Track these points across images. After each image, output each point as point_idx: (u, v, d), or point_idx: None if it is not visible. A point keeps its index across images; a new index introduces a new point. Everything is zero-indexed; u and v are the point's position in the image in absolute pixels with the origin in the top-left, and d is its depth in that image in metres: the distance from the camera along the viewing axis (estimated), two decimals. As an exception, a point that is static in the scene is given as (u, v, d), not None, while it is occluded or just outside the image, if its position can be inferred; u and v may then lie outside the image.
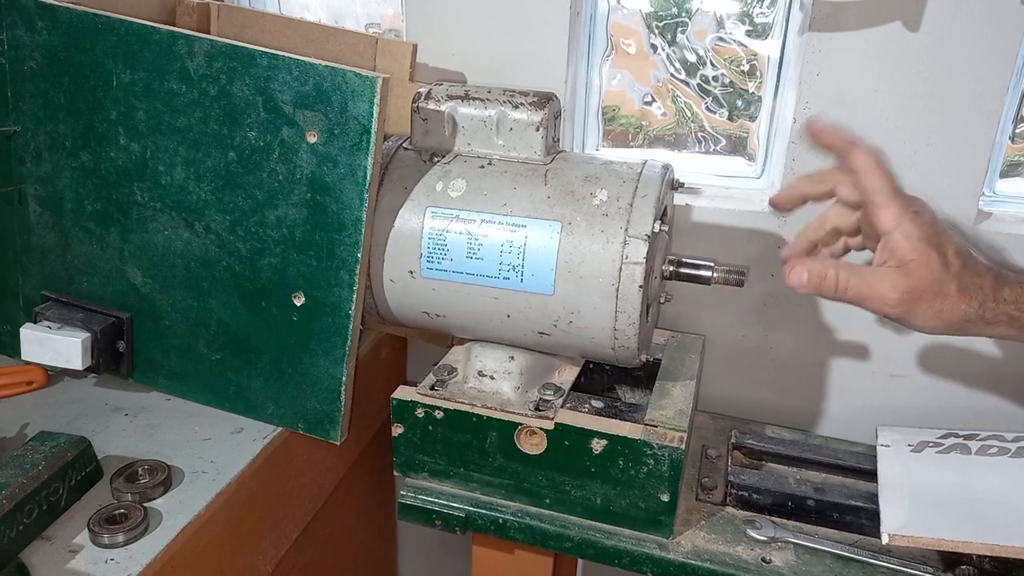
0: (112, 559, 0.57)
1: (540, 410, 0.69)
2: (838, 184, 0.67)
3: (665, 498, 0.67)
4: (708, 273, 0.70)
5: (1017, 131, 0.87)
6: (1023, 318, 0.63)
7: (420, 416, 0.71)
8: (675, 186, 0.72)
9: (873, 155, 0.64)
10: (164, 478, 0.64)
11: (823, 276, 0.63)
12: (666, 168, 0.69)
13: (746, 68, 0.93)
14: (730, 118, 0.95)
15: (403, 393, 0.72)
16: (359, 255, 0.66)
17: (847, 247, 0.70)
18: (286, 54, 0.63)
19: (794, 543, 0.70)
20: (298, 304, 0.69)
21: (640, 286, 0.64)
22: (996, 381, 0.86)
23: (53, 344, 0.71)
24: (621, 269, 0.64)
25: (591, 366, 0.81)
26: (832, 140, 0.66)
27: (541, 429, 0.69)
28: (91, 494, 0.63)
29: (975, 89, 0.77)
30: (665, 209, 0.70)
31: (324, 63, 0.62)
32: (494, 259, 0.67)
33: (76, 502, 0.62)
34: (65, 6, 0.68)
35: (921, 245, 0.61)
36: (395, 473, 0.75)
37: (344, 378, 0.69)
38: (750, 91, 0.93)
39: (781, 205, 0.69)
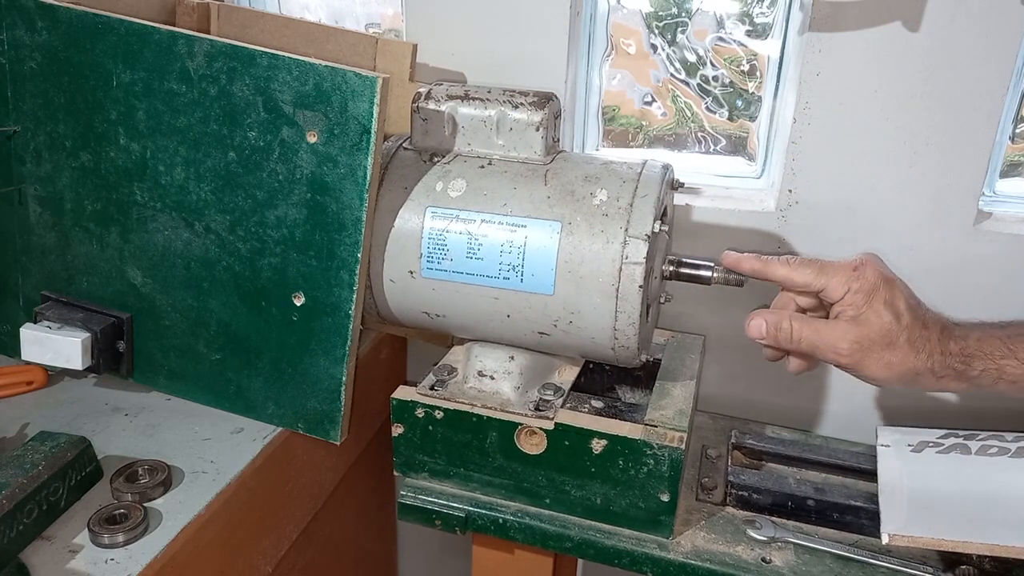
0: (112, 559, 0.57)
1: (540, 410, 0.69)
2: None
3: (665, 498, 0.67)
4: (708, 273, 0.70)
5: (1017, 131, 0.87)
6: (969, 371, 0.65)
7: (420, 416, 0.71)
8: (675, 186, 0.72)
9: (784, 264, 0.68)
10: (164, 478, 0.64)
11: (778, 327, 0.67)
12: (666, 168, 0.69)
13: (746, 68, 0.93)
14: (730, 118, 0.95)
15: (403, 393, 0.72)
16: (359, 255, 0.66)
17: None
18: (286, 54, 0.63)
19: (794, 543, 0.70)
20: (298, 304, 0.69)
21: (640, 286, 0.64)
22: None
23: (53, 344, 0.71)
24: (621, 269, 0.64)
25: (591, 366, 0.81)
26: (749, 267, 0.69)
27: (541, 429, 0.69)
28: (91, 494, 0.63)
29: (975, 89, 0.77)
30: (665, 209, 0.70)
31: (324, 63, 0.62)
32: (494, 259, 0.67)
33: (76, 502, 0.62)
34: (65, 6, 0.68)
35: (873, 298, 0.64)
36: (395, 473, 0.75)
37: (344, 378, 0.69)
38: (750, 91, 0.93)
39: (736, 270, 0.70)
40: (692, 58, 0.94)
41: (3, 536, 0.55)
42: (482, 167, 0.70)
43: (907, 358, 0.64)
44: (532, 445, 0.70)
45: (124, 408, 0.75)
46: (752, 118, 0.94)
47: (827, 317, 0.71)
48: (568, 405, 0.72)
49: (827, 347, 0.65)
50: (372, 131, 0.62)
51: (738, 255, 0.69)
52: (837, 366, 0.67)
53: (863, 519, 0.71)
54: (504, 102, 0.70)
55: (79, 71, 0.69)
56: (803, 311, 0.71)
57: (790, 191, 0.86)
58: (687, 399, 0.72)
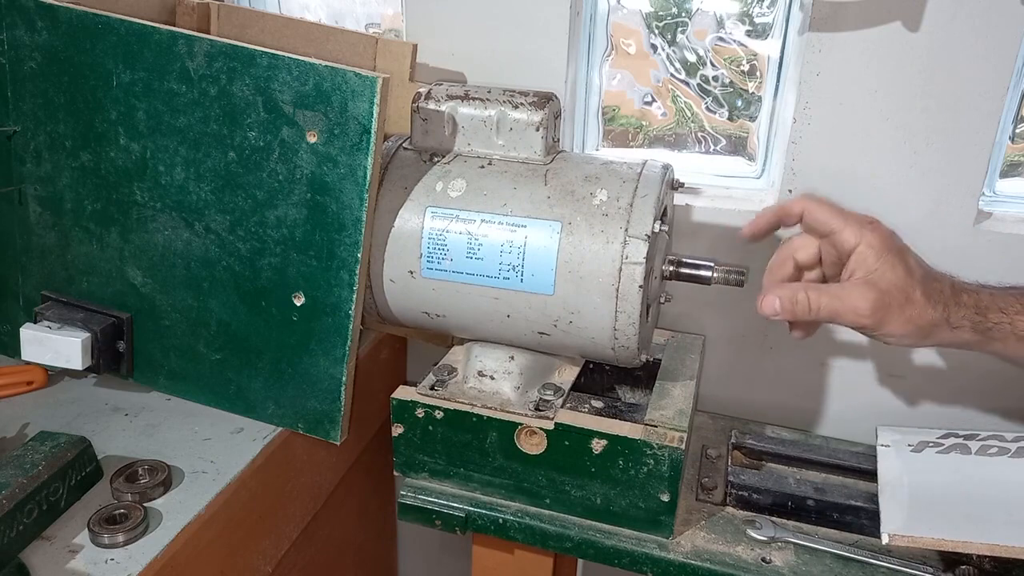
0: (112, 559, 0.57)
1: (540, 410, 0.69)
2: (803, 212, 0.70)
3: (665, 498, 0.67)
4: (708, 273, 0.70)
5: (1017, 131, 0.87)
6: (984, 322, 0.66)
7: (420, 416, 0.71)
8: (675, 186, 0.72)
9: (807, 197, 0.68)
10: (164, 478, 0.64)
11: (794, 300, 0.66)
12: (666, 168, 0.69)
13: (746, 68, 0.93)
14: (730, 118, 0.95)
15: (403, 393, 0.72)
16: (359, 255, 0.66)
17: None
18: (286, 54, 0.63)
19: (794, 543, 0.70)
20: (298, 304, 0.69)
21: (640, 286, 0.64)
22: (996, 382, 0.86)
23: (53, 344, 0.71)
24: (621, 269, 0.64)
25: (591, 366, 0.81)
26: (767, 222, 0.70)
27: (541, 429, 0.69)
28: (91, 494, 0.63)
29: (975, 89, 0.77)
30: (665, 209, 0.70)
31: (324, 63, 0.62)
32: (494, 259, 0.67)
33: (76, 502, 0.62)
34: (65, 6, 0.68)
35: (884, 253, 0.64)
36: (395, 473, 0.75)
37: (344, 378, 0.69)
38: (750, 91, 0.93)
39: (757, 235, 0.71)
40: (692, 58, 0.94)
41: (3, 536, 0.55)
42: (482, 167, 0.70)
43: (925, 311, 0.64)
44: (532, 445, 0.70)
45: (124, 408, 0.75)
46: (752, 118, 0.94)
47: (825, 279, 0.71)
48: (568, 405, 0.72)
49: (849, 311, 0.65)
50: (372, 131, 0.62)
51: (751, 224, 0.70)
52: (857, 328, 0.67)
53: (863, 519, 0.71)
54: (504, 102, 0.70)
55: (79, 71, 0.69)
56: (800, 272, 0.71)
57: (790, 191, 0.86)
58: (687, 399, 0.72)
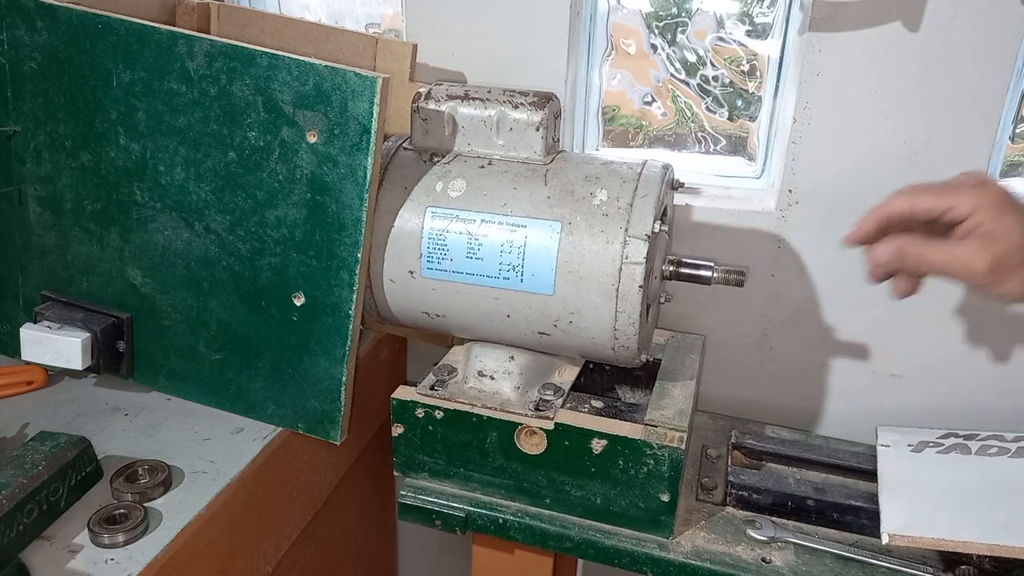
0: (112, 559, 0.57)
1: (540, 410, 0.69)
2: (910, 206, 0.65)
3: (665, 498, 0.67)
4: (708, 273, 0.70)
5: (1017, 131, 0.87)
6: None
7: (420, 416, 0.71)
8: (675, 186, 0.72)
9: (907, 194, 0.64)
10: (164, 478, 0.64)
11: (903, 250, 0.63)
12: (666, 168, 0.69)
13: (746, 68, 0.93)
14: (730, 118, 0.95)
15: (403, 393, 0.72)
16: (359, 255, 0.66)
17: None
18: (286, 54, 0.63)
19: (794, 543, 0.70)
20: (298, 304, 0.69)
21: (640, 286, 0.64)
22: (996, 382, 0.86)
23: (53, 344, 0.71)
24: (621, 269, 0.64)
25: (591, 366, 0.81)
26: (873, 231, 0.66)
27: (541, 429, 0.69)
28: (91, 494, 0.63)
29: (975, 89, 0.77)
30: (665, 209, 0.70)
31: (324, 63, 0.62)
32: (494, 259, 0.67)
33: (76, 502, 0.62)
34: (65, 6, 0.68)
35: (1002, 215, 0.61)
36: (395, 473, 0.75)
37: (344, 378, 0.69)
38: (750, 91, 0.93)
39: (862, 242, 0.67)
40: (692, 58, 0.94)
41: (3, 536, 0.55)
42: (482, 167, 0.70)
43: None
44: (532, 445, 0.70)
45: (124, 408, 0.75)
46: (752, 118, 0.94)
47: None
48: (568, 405, 0.72)
49: (965, 267, 0.62)
50: (372, 131, 0.62)
51: (857, 230, 0.66)
52: (971, 283, 0.64)
53: (863, 519, 0.71)
54: (504, 102, 0.70)
55: (79, 71, 0.69)
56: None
57: (790, 191, 0.86)
58: (687, 399, 0.72)
